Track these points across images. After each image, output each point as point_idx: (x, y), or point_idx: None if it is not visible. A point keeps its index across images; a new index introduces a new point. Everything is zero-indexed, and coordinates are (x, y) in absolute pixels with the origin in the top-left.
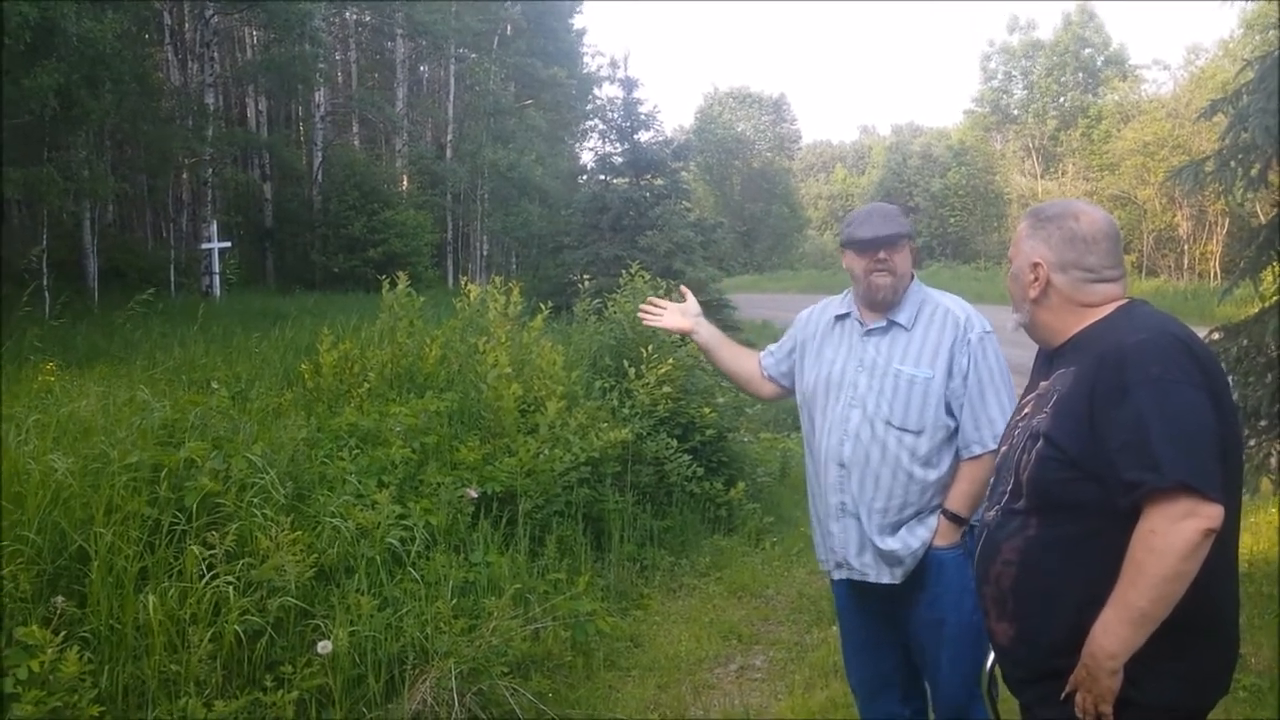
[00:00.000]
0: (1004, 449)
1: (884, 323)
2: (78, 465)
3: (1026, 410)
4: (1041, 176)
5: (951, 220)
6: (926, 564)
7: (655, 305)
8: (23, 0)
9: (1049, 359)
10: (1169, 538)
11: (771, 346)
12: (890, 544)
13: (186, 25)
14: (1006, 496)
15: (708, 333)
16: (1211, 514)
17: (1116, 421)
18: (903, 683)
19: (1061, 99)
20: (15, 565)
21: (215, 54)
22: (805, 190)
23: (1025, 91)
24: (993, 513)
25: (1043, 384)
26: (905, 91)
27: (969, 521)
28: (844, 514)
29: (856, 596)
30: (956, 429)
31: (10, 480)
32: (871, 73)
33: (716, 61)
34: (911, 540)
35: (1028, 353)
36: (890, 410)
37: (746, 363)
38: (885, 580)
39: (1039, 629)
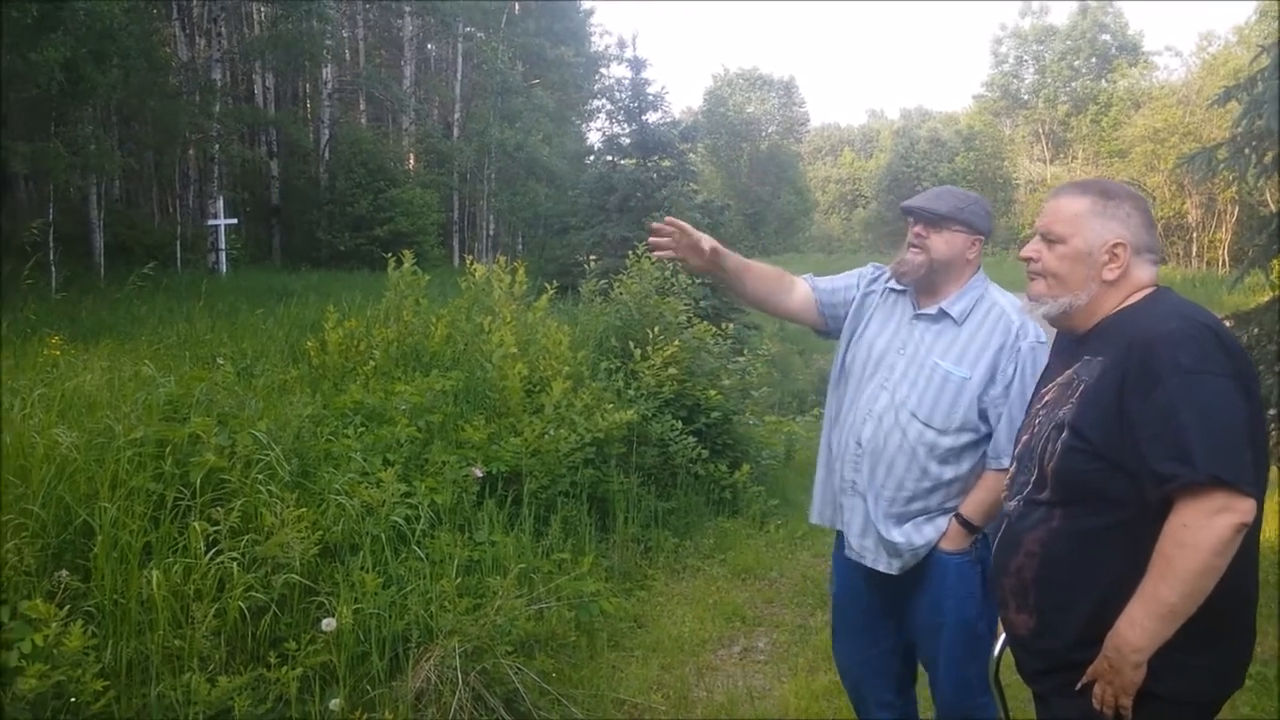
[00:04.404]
0: (1025, 438)
1: (935, 310)
2: (83, 440)
3: (1048, 398)
4: (1051, 162)
5: None
6: (929, 566)
7: (671, 226)
8: None
9: (1072, 345)
10: (1202, 533)
11: (828, 277)
12: (894, 535)
13: (194, 0)
14: (1029, 487)
15: (733, 260)
16: (1245, 509)
17: (1147, 411)
18: (898, 671)
19: (1073, 84)
20: (20, 539)
21: (222, 29)
22: (813, 173)
23: (1036, 76)
24: (1014, 503)
25: (1066, 372)
26: (914, 75)
27: (981, 530)
28: (854, 492)
29: (862, 578)
30: (987, 435)
31: (15, 454)
32: (881, 56)
33: (726, 42)
34: (916, 537)
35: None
36: (918, 402)
37: (774, 276)
38: (880, 568)
39: (1061, 621)
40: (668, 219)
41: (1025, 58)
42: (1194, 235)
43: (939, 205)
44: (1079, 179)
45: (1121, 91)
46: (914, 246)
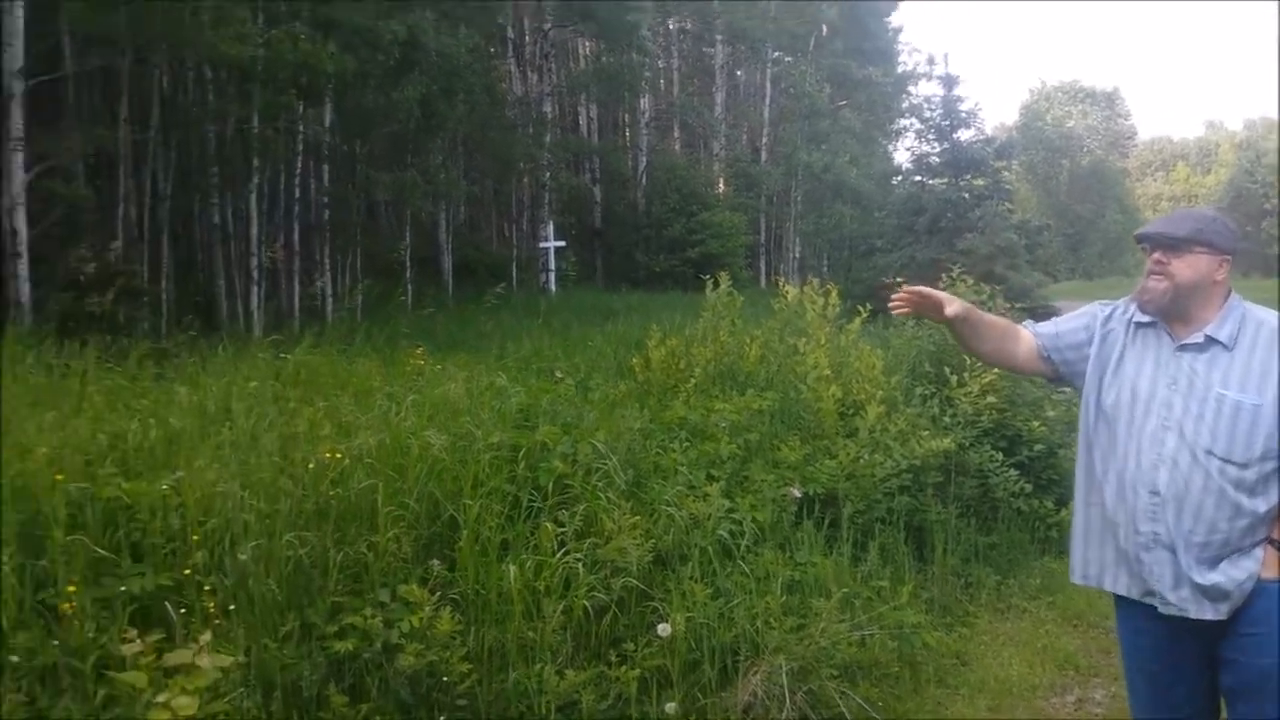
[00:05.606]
0: None
1: (1201, 339)
2: (449, 442)
3: None
4: None
5: None
6: (1251, 602)
7: (910, 292)
8: (393, 20)
9: None
10: None
11: (1052, 321)
12: (1211, 578)
13: (527, 38)
14: None
15: (971, 320)
16: None
17: None
18: None
19: None
20: (398, 529)
21: (552, 65)
22: (1141, 191)
23: None
24: None
25: None
26: (1259, 82)
27: None
28: (1156, 544)
29: (1172, 634)
30: None
31: (393, 453)
32: (1219, 62)
33: (1043, 54)
34: (1236, 573)
35: None
36: (1212, 438)
37: (1003, 328)
38: (1208, 616)
39: None
40: (905, 287)
41: None
42: None
43: (1177, 229)
44: None
45: None
46: (1155, 274)
